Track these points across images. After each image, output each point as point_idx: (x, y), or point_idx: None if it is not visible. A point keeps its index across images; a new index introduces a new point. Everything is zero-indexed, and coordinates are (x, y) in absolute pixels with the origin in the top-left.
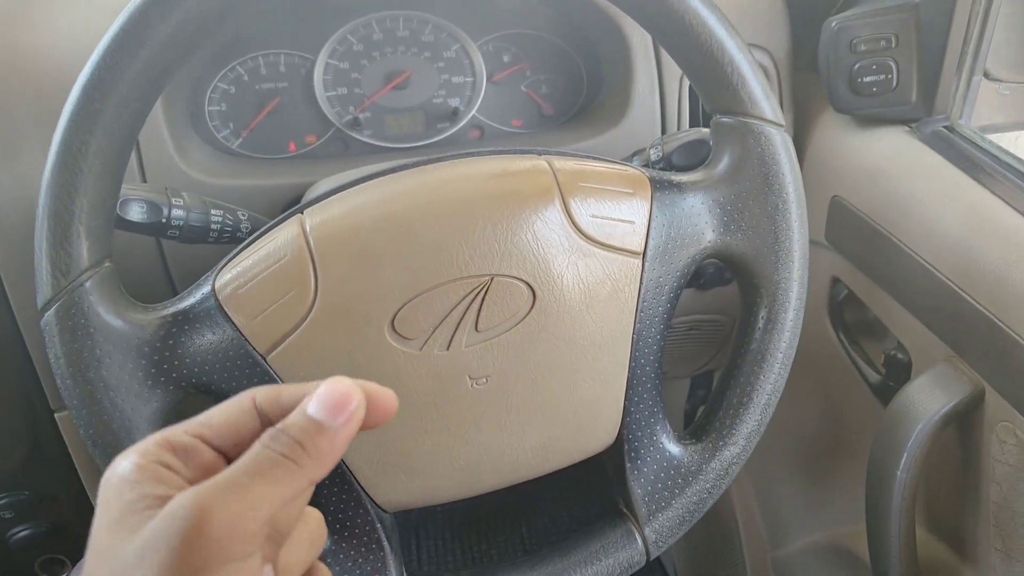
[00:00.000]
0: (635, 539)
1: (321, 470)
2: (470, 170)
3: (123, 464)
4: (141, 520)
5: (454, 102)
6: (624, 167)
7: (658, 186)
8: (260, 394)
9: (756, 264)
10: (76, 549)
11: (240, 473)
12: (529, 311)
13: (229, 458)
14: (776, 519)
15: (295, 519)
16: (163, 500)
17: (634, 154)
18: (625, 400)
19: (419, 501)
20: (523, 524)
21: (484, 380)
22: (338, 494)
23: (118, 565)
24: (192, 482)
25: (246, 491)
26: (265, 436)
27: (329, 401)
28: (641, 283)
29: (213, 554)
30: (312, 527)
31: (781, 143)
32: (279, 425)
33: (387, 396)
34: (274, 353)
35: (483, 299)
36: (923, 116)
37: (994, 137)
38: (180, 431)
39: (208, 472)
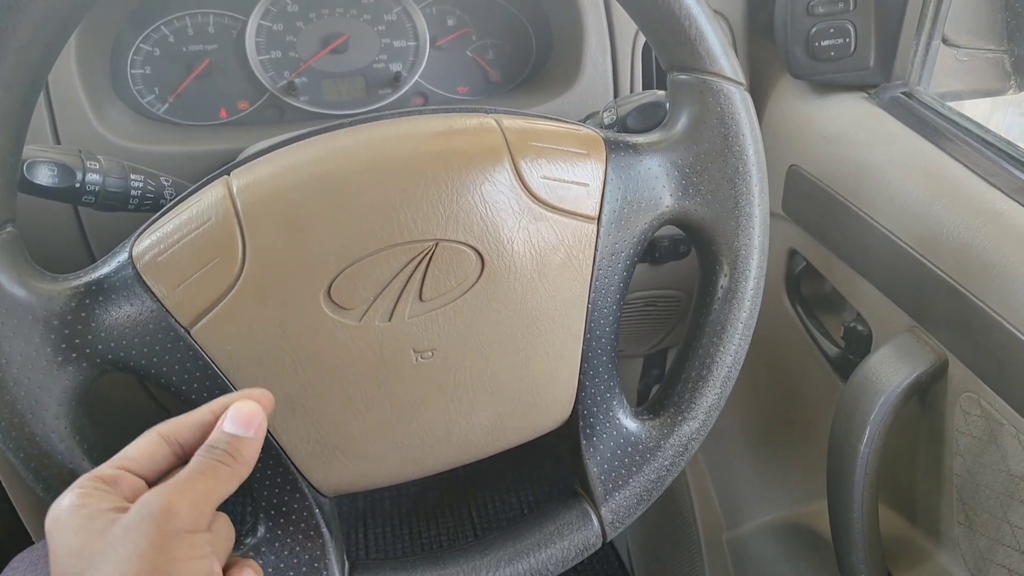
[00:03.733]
0: (591, 520)
1: (246, 469)
2: (411, 128)
3: (66, 498)
4: (106, 523)
5: (396, 67)
6: (577, 127)
7: (613, 147)
8: (163, 428)
9: (715, 230)
10: None
11: (190, 473)
12: (477, 279)
13: (149, 483)
14: (731, 498)
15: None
16: (119, 508)
17: (587, 117)
18: (580, 374)
19: (360, 484)
20: (473, 509)
21: (429, 354)
22: (272, 477)
23: (94, 559)
24: (127, 501)
25: (198, 484)
26: (201, 449)
27: (241, 418)
28: (596, 250)
29: (180, 531)
30: (222, 524)
31: (741, 102)
32: (207, 442)
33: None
34: (198, 326)
35: (427, 266)
36: (881, 82)
37: (951, 106)
38: (104, 467)
39: (136, 494)
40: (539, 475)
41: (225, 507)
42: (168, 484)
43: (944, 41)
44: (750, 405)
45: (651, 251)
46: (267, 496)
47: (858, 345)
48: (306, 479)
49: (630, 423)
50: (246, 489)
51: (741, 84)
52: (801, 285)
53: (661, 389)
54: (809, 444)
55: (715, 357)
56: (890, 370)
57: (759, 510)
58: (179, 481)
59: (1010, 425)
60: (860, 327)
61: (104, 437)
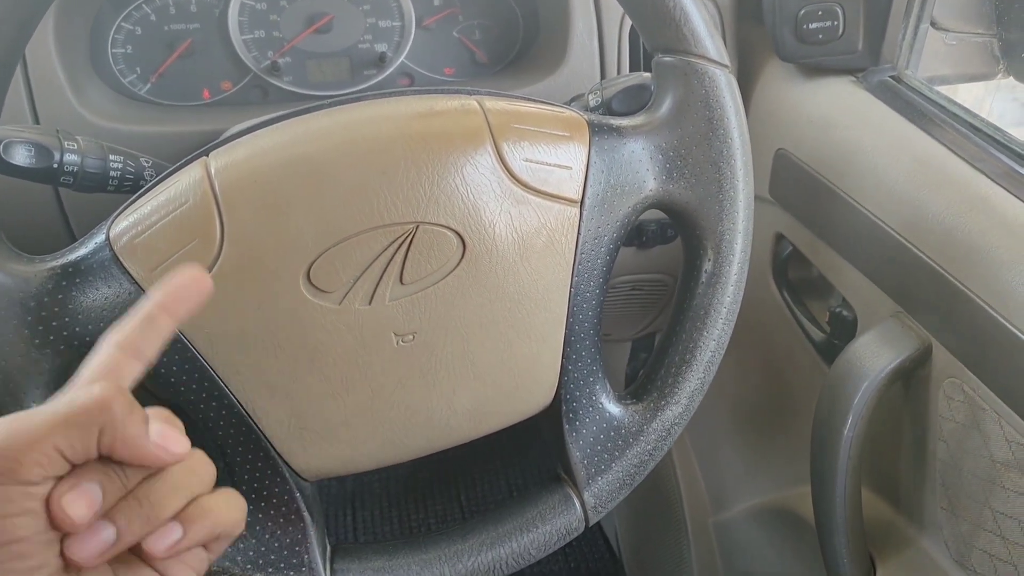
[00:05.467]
0: (573, 504)
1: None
2: (392, 109)
3: None
4: None
5: (381, 47)
6: (560, 109)
7: (597, 130)
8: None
9: (699, 214)
10: None
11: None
12: (459, 262)
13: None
14: (718, 483)
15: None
16: None
17: (572, 100)
18: (563, 358)
19: (341, 469)
20: (462, 492)
21: (410, 337)
22: (252, 461)
23: None
24: None
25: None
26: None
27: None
28: (579, 233)
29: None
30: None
31: (726, 85)
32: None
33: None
34: None
35: (408, 249)
36: (869, 65)
37: (940, 90)
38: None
39: None
40: (530, 458)
41: None
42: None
43: (933, 25)
44: (737, 390)
45: (638, 235)
46: (247, 480)
47: (843, 330)
48: (287, 463)
49: (613, 407)
50: (227, 472)
51: (726, 66)
52: (788, 270)
53: (644, 373)
54: (795, 429)
55: (698, 341)
56: (874, 355)
57: (745, 494)
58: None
59: (992, 411)
60: (845, 312)
61: None
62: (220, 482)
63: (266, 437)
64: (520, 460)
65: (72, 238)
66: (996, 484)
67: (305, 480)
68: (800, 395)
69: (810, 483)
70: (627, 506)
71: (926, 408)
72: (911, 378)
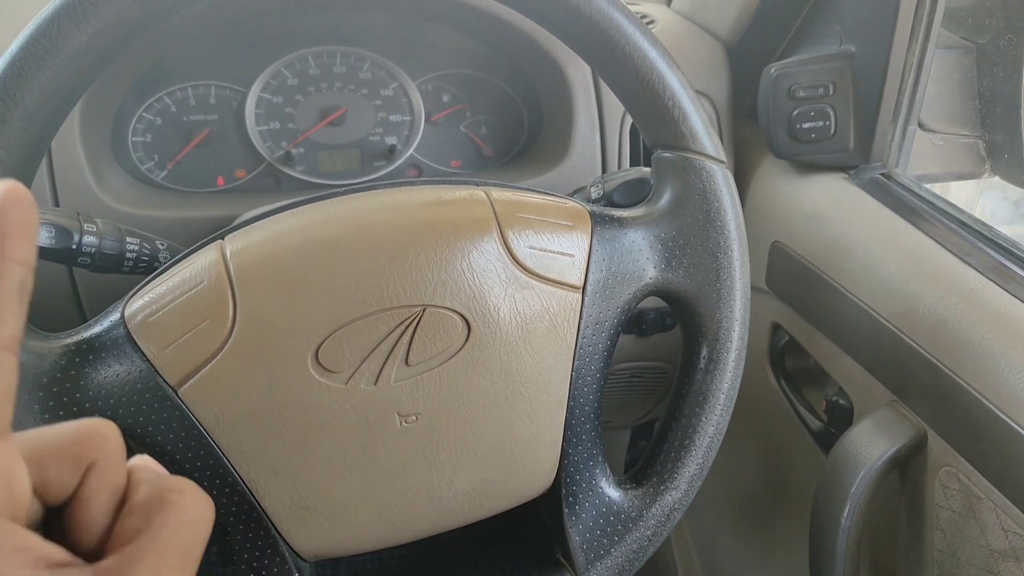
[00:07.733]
0: None
1: None
2: (403, 198)
3: None
4: None
5: (391, 140)
6: (563, 200)
7: (598, 220)
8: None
9: (697, 302)
10: None
11: None
12: (463, 344)
13: None
14: (717, 571)
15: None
16: None
17: (574, 192)
18: (563, 441)
19: (341, 549)
20: None
21: (414, 418)
22: (253, 540)
23: None
24: None
25: None
26: None
27: None
28: (581, 318)
29: None
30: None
31: (723, 179)
32: None
33: None
34: (186, 386)
35: (414, 331)
36: (861, 163)
37: (929, 187)
38: None
39: None
40: (527, 546)
41: (202, 568)
42: None
43: (920, 126)
44: (736, 478)
45: (638, 323)
46: (247, 559)
47: (840, 419)
48: (287, 543)
49: (613, 492)
50: (226, 551)
51: (723, 162)
52: (785, 359)
53: (644, 458)
54: (794, 517)
55: (697, 427)
56: (870, 444)
57: None
58: None
59: (988, 500)
60: (842, 401)
61: None
62: (218, 559)
63: (268, 516)
64: (517, 547)
65: (83, 317)
66: (993, 574)
67: (305, 561)
68: (798, 483)
69: (809, 572)
70: None
71: (922, 497)
72: (907, 467)
